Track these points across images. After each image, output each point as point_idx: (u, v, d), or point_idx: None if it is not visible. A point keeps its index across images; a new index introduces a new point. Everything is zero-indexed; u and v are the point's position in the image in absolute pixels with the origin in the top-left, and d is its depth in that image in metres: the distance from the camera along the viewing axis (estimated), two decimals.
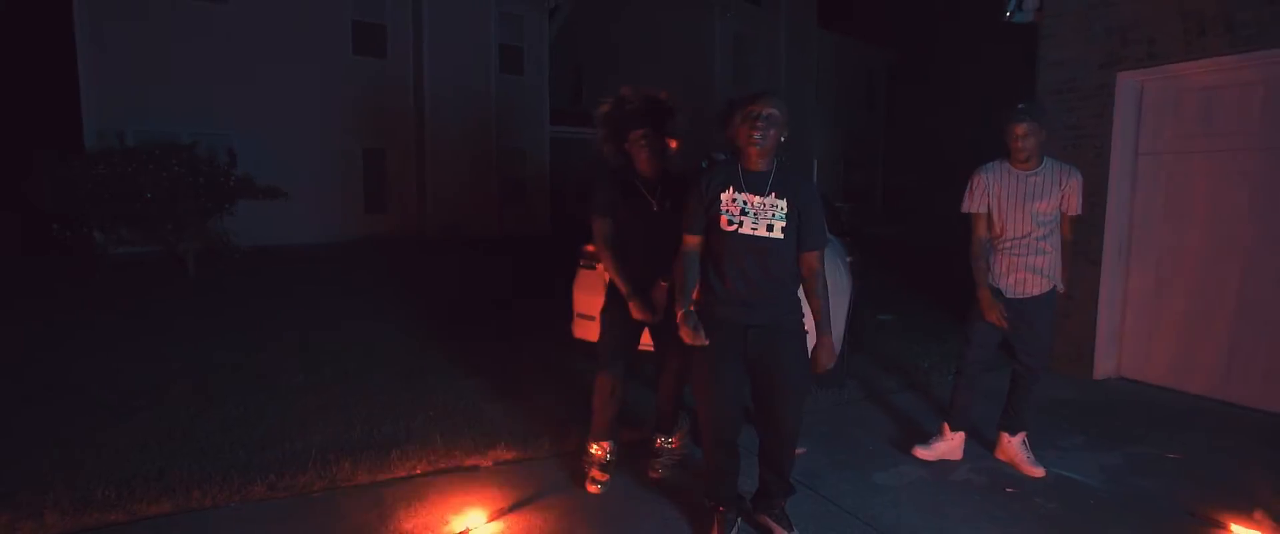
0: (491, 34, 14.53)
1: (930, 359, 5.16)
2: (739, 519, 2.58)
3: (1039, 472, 3.15)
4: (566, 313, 4.64)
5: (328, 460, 3.17)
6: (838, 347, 2.68)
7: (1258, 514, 2.71)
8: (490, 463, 3.24)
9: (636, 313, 2.83)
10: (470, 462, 3.24)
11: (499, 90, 14.82)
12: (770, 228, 2.35)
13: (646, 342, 3.07)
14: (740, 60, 17.97)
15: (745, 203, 2.37)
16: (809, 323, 2.47)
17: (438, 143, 13.91)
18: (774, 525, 2.53)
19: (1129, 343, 4.67)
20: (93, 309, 6.63)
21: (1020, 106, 3.08)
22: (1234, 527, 2.66)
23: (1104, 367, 4.67)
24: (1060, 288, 3.17)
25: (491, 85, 14.68)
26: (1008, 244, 3.12)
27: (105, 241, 8.70)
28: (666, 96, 2.94)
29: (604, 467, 2.99)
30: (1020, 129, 3.02)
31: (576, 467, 3.10)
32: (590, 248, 4.46)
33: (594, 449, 3.01)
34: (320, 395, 4.18)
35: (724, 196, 2.37)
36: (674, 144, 2.95)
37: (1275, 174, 3.97)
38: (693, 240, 2.45)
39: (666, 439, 3.16)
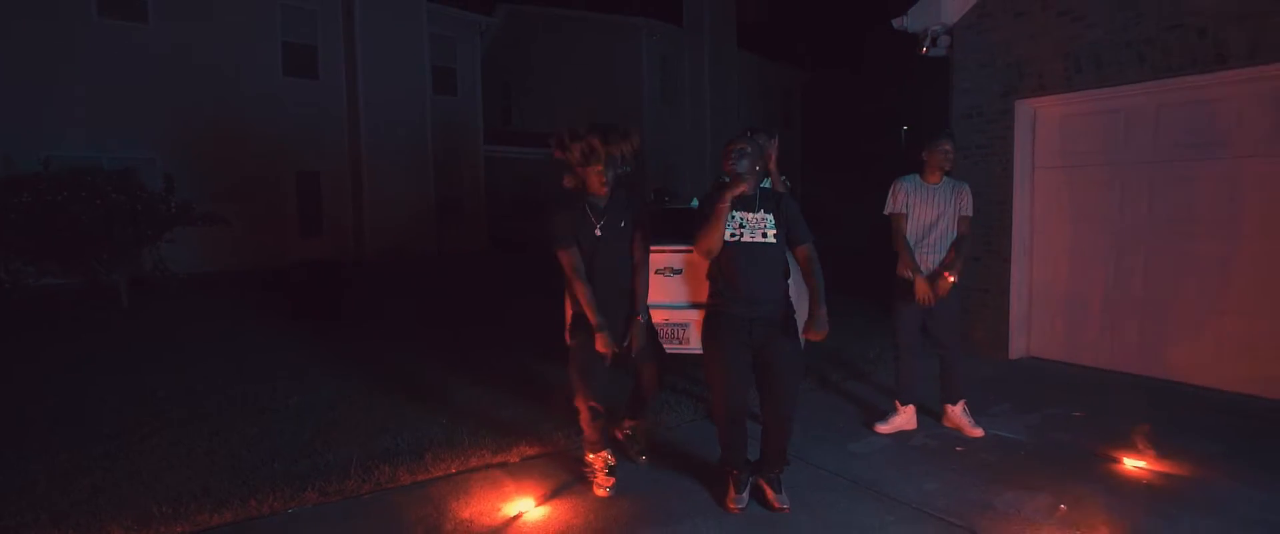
0: (424, 56, 14.61)
1: (873, 350, 5.86)
2: (751, 478, 3.06)
3: (979, 432, 3.82)
4: (519, 324, 4.99)
5: (367, 466, 3.41)
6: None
7: (1140, 446, 3.50)
8: (517, 459, 3.58)
9: (601, 346, 2.99)
10: (499, 459, 3.56)
11: (434, 111, 14.89)
12: (764, 235, 2.93)
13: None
14: (667, 80, 18.77)
15: (742, 219, 2.94)
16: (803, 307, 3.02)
17: (374, 164, 13.82)
18: (767, 489, 3.00)
19: (1035, 327, 5.54)
20: (40, 343, 6.36)
21: (947, 130, 3.83)
22: (1126, 460, 3.41)
23: (1017, 347, 5.51)
24: (951, 276, 3.77)
25: (426, 106, 14.73)
26: (915, 245, 3.80)
27: (21, 273, 8.20)
28: (608, 132, 3.04)
29: (608, 471, 3.17)
30: (948, 145, 3.77)
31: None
32: None
33: (592, 459, 3.21)
34: (326, 413, 4.35)
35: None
36: (617, 149, 3.04)
37: (1134, 183, 4.91)
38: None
39: (634, 422, 3.54)
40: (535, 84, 19.63)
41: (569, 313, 4.89)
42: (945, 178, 3.82)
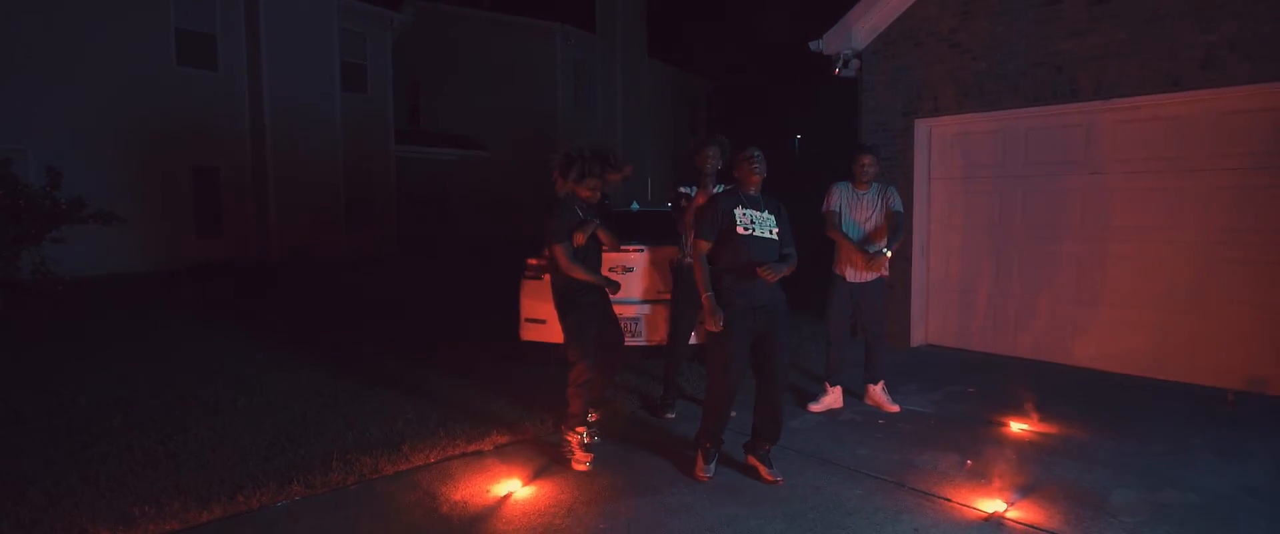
0: (333, 51, 14.10)
1: (795, 340, 6.46)
2: (717, 453, 3.46)
3: (896, 408, 4.43)
4: (451, 322, 5.18)
5: (346, 459, 3.51)
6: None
7: (1027, 411, 4.24)
8: (491, 447, 3.78)
9: (613, 293, 3.70)
10: (474, 447, 3.76)
11: (343, 108, 14.38)
12: (770, 232, 3.35)
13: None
14: (580, 85, 19.05)
15: (753, 215, 3.35)
16: None
17: (279, 161, 13.18)
18: (760, 465, 3.39)
19: (932, 318, 6.33)
20: None
21: (867, 144, 4.40)
22: (1012, 423, 4.12)
23: (917, 337, 6.29)
24: (888, 252, 4.29)
25: (335, 103, 14.21)
26: (849, 244, 4.36)
27: None
28: (612, 151, 3.75)
29: (586, 447, 3.55)
30: (866, 159, 4.34)
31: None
32: (533, 261, 5.10)
33: (571, 436, 3.56)
34: (280, 411, 4.34)
35: (737, 212, 3.33)
36: (614, 178, 3.72)
37: (1010, 193, 5.78)
38: (706, 245, 3.32)
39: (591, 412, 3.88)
40: (447, 84, 19.31)
41: (526, 308, 5.14)
42: (875, 184, 4.38)
